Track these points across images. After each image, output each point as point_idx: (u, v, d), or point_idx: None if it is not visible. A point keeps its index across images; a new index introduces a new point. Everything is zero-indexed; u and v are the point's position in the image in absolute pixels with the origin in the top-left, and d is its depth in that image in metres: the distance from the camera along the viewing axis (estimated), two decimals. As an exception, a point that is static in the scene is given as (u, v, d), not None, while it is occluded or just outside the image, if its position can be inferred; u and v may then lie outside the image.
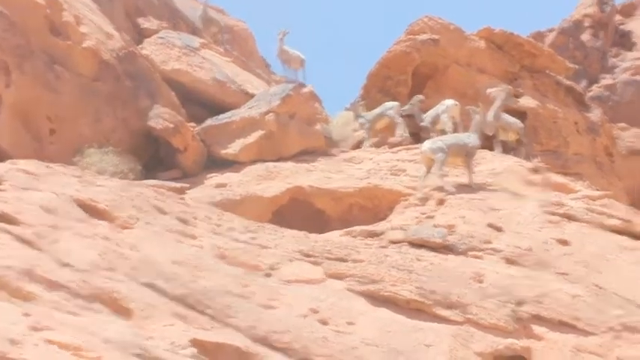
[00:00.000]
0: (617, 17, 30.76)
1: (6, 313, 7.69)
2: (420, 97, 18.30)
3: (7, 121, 14.80)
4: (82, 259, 9.41)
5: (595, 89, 27.75)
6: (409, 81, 20.12)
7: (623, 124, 25.55)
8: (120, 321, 8.55)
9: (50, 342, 7.52)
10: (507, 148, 17.74)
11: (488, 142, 18.19)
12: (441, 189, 13.97)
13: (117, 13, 19.51)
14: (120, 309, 8.80)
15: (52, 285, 8.57)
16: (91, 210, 11.12)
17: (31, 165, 12.13)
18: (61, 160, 13.90)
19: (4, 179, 11.09)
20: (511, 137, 17.72)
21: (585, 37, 29.04)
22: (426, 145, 14.53)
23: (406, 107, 18.08)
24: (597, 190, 16.24)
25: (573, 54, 27.85)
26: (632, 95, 27.97)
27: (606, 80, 28.17)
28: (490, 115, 16.89)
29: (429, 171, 14.26)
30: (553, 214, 13.43)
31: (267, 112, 16.86)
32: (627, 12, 31.35)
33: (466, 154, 14.59)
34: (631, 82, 28.37)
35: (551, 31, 29.37)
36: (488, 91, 17.30)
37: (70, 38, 16.44)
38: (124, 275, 9.42)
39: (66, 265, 9.14)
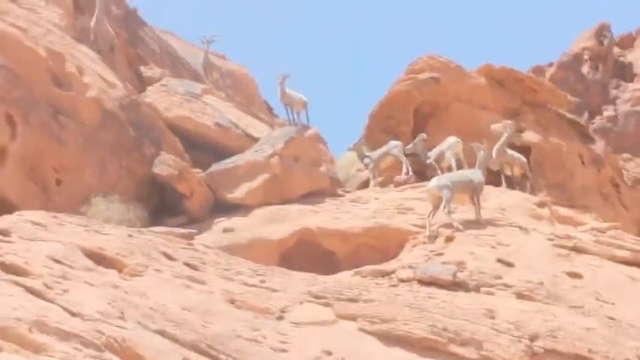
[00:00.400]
0: (616, 49, 30.95)
1: (17, 366, 7.65)
2: (423, 135, 18.38)
3: (14, 173, 14.83)
4: (92, 308, 9.35)
5: (597, 121, 27.80)
6: (411, 120, 20.20)
7: (626, 155, 25.54)
8: (132, 369, 8.50)
9: (63, 393, 7.47)
10: (512, 183, 17.76)
11: (493, 178, 18.22)
12: (449, 226, 13.95)
13: (119, 62, 19.65)
14: (132, 357, 8.72)
15: (63, 335, 8.50)
16: (99, 259, 11.11)
17: (38, 216, 12.14)
18: (67, 210, 13.92)
19: (12, 231, 11.09)
20: (516, 172, 17.75)
21: (585, 69, 29.18)
22: (433, 182, 14.54)
23: (410, 146, 18.16)
24: (605, 221, 16.23)
25: (574, 87, 27.96)
26: (634, 126, 28.03)
27: (608, 112, 28.25)
28: (494, 151, 16.98)
29: (436, 209, 14.25)
30: (562, 247, 13.43)
31: (271, 156, 16.90)
32: (626, 44, 31.54)
33: (473, 190, 14.60)
34: (632, 113, 28.45)
35: (551, 65, 29.52)
36: (492, 127, 17.40)
37: (74, 89, 16.55)
38: (134, 323, 9.36)
39: (76, 314, 9.08)
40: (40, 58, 16.41)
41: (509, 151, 17.66)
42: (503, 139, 17.17)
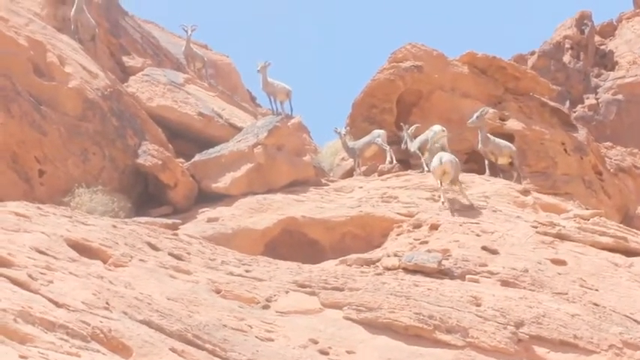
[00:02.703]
0: (597, 38, 31.06)
1: (2, 357, 7.58)
2: (417, 125, 18.43)
3: (-4, 164, 14.74)
4: (77, 299, 9.32)
5: (579, 110, 27.96)
6: (394, 108, 20.19)
7: (608, 143, 25.68)
8: (118, 359, 8.46)
9: (50, 383, 7.44)
10: (496, 171, 17.82)
11: (477, 166, 18.27)
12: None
13: (100, 52, 19.54)
14: (118, 347, 8.69)
15: (49, 326, 8.46)
16: (84, 249, 11.07)
17: (21, 207, 12.08)
18: (51, 201, 13.86)
19: (-5, 222, 11.01)
20: (503, 161, 17.82)
21: (566, 58, 29.32)
22: (447, 157, 14.67)
23: (405, 138, 18.19)
24: (588, 209, 16.30)
25: (555, 76, 28.10)
26: (615, 114, 28.21)
27: (589, 100, 28.41)
28: (479, 142, 17.18)
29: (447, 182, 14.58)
30: (546, 234, 13.48)
31: (255, 145, 16.86)
32: (606, 32, 31.69)
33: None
34: (614, 102, 28.61)
35: (532, 53, 29.65)
36: (468, 123, 17.52)
37: (55, 79, 16.44)
38: (120, 313, 9.33)
39: (61, 305, 9.04)
40: (21, 47, 16.28)
41: (497, 140, 17.72)
42: (482, 130, 17.36)
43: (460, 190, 14.88)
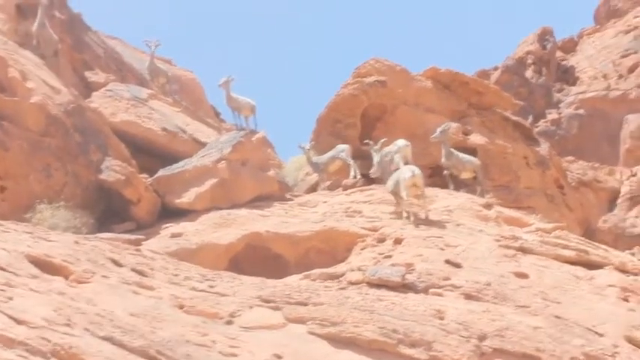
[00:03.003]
0: (559, 53, 31.39)
1: (-39, 375, 7.51)
2: (384, 140, 18.44)
3: (-44, 180, 14.56)
4: (38, 316, 9.23)
5: (541, 124, 28.18)
6: (358, 123, 20.27)
7: (570, 158, 25.96)
8: (80, 376, 8.39)
9: (8, 401, 7.36)
10: (459, 185, 17.94)
11: (441, 180, 18.37)
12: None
13: (63, 67, 19.43)
14: (79, 364, 8.62)
15: (8, 343, 8.38)
16: (45, 266, 10.97)
17: (-19, 223, 11.93)
18: (12, 217, 13.72)
19: (-45, 238, 10.88)
20: (466, 175, 17.95)
21: (529, 73, 29.57)
22: (418, 170, 14.87)
23: (376, 151, 18.04)
24: (550, 222, 16.44)
25: (518, 91, 28.31)
26: (577, 129, 28.45)
27: (552, 115, 28.64)
28: (442, 157, 17.35)
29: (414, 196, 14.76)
30: (508, 247, 13.57)
31: (219, 160, 16.83)
32: (568, 48, 32.03)
33: None
34: (575, 116, 28.88)
35: (495, 69, 29.86)
36: (431, 138, 17.68)
37: (17, 94, 16.32)
38: (81, 330, 9.25)
39: (21, 322, 8.95)
40: (-18, 62, 16.15)
41: (460, 155, 17.86)
42: (444, 145, 17.54)
43: (424, 203, 14.93)
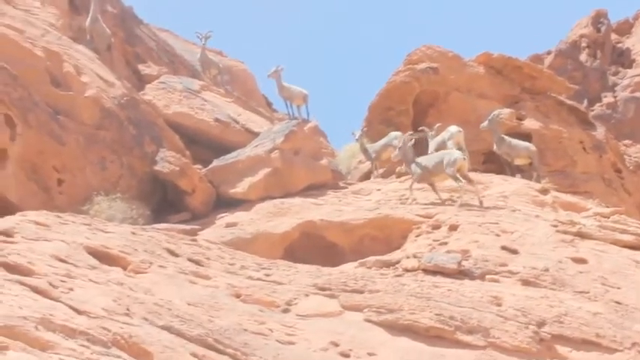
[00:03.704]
0: (614, 36, 30.89)
1: (24, 364, 7.62)
2: (438, 125, 18.41)
3: (15, 174, 14.82)
4: (98, 306, 9.33)
5: (597, 108, 27.80)
6: (410, 110, 20.17)
7: (627, 141, 25.55)
8: (140, 365, 8.47)
9: (72, 389, 7.45)
10: (513, 171, 17.77)
11: (494, 166, 18.21)
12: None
13: (116, 61, 19.65)
14: (139, 353, 8.69)
15: (70, 333, 8.47)
16: (103, 256, 11.09)
17: (41, 216, 12.11)
18: (70, 210, 13.92)
19: (15, 231, 11.07)
20: (520, 161, 17.78)
21: (583, 57, 29.17)
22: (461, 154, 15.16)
23: (432, 137, 18.09)
24: (608, 207, 16.21)
25: (572, 74, 27.95)
26: (633, 112, 28.01)
27: (607, 99, 28.24)
28: (494, 146, 17.27)
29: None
30: (566, 233, 13.40)
31: (272, 150, 16.90)
32: (623, 30, 31.50)
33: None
34: (632, 99, 28.42)
35: (549, 53, 29.52)
36: (481, 127, 17.54)
37: (72, 88, 16.54)
38: (140, 319, 9.33)
39: (82, 312, 9.05)
40: (37, 58, 16.40)
41: (513, 141, 17.69)
42: (493, 132, 17.42)
43: (474, 188, 14.89)
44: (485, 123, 17.42)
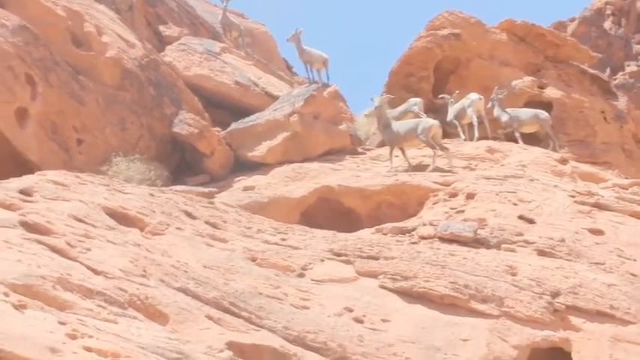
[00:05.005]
0: (639, 4, 30.49)
1: (42, 323, 7.69)
2: (457, 92, 18.43)
3: (35, 133, 14.89)
4: (115, 266, 9.41)
5: (619, 77, 27.52)
6: (431, 77, 20.09)
7: (649, 111, 25.28)
8: (156, 326, 8.54)
9: (89, 349, 7.49)
10: (534, 140, 17.71)
11: (513, 134, 18.12)
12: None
13: (137, 21, 19.62)
14: (155, 314, 8.77)
15: (87, 293, 8.56)
16: (121, 217, 11.14)
17: (59, 176, 12.16)
18: (89, 170, 13.98)
19: (35, 190, 11.13)
20: (529, 129, 17.74)
21: (607, 25, 28.84)
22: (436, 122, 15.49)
23: (452, 104, 18.20)
24: (627, 178, 16.12)
25: (596, 43, 27.66)
26: (657, 81, 27.69)
27: (630, 68, 27.95)
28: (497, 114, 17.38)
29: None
30: (583, 203, 13.34)
31: (291, 114, 16.87)
32: (649, -2, 31.04)
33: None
34: (656, 69, 28.09)
35: (572, 20, 29.20)
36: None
37: (93, 48, 16.55)
38: (157, 281, 9.41)
39: (99, 272, 9.13)
40: (58, 18, 16.40)
41: (517, 111, 17.72)
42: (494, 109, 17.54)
43: (447, 155, 15.42)
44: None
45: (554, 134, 17.96)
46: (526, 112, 17.84)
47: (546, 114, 17.95)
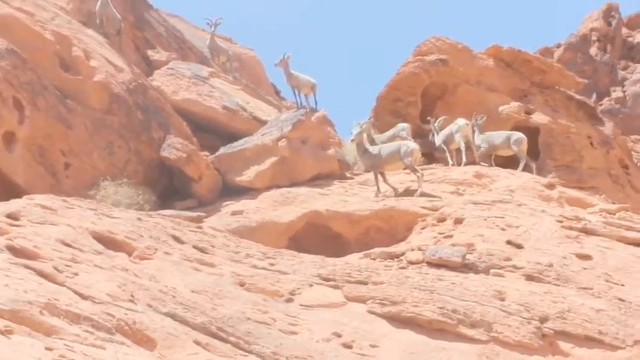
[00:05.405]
0: (624, 30, 30.78)
1: (29, 348, 7.62)
2: (444, 117, 18.50)
3: (22, 157, 14.86)
4: (102, 291, 9.36)
5: (605, 103, 27.73)
6: (419, 102, 20.17)
7: (635, 137, 25.49)
8: (143, 351, 8.48)
9: (75, 375, 7.47)
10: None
11: (502, 160, 18.18)
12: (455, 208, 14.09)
13: (126, 46, 19.65)
14: (142, 339, 8.72)
15: (74, 318, 8.50)
16: (109, 242, 11.10)
17: (47, 200, 12.13)
18: (76, 194, 13.95)
19: (22, 215, 11.08)
20: (504, 153, 17.87)
21: (593, 51, 29.07)
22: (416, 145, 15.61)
23: (432, 131, 18.30)
24: (614, 203, 16.17)
25: (582, 68, 27.87)
26: (642, 107, 27.90)
27: (616, 93, 28.16)
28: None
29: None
30: (571, 228, 13.37)
31: (279, 138, 16.89)
32: (634, 24, 31.37)
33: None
34: (641, 94, 28.31)
35: (558, 46, 29.42)
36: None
37: (81, 73, 16.56)
38: (144, 306, 9.36)
39: (86, 297, 9.08)
40: (46, 42, 16.42)
41: (491, 135, 17.82)
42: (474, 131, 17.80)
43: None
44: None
45: (528, 157, 17.81)
46: (499, 135, 17.92)
47: (519, 135, 17.89)
